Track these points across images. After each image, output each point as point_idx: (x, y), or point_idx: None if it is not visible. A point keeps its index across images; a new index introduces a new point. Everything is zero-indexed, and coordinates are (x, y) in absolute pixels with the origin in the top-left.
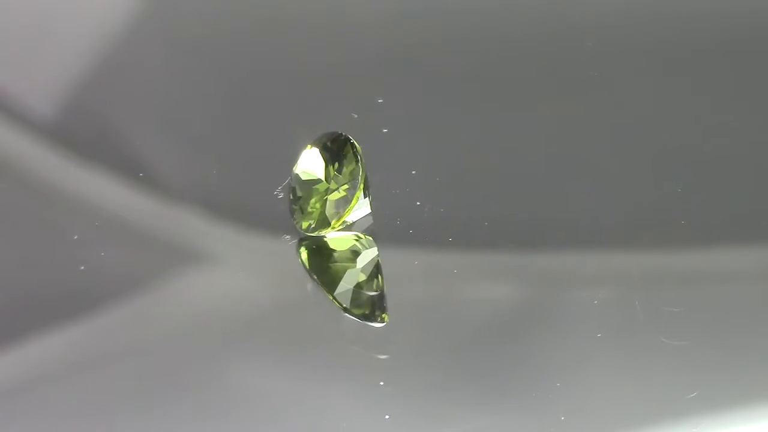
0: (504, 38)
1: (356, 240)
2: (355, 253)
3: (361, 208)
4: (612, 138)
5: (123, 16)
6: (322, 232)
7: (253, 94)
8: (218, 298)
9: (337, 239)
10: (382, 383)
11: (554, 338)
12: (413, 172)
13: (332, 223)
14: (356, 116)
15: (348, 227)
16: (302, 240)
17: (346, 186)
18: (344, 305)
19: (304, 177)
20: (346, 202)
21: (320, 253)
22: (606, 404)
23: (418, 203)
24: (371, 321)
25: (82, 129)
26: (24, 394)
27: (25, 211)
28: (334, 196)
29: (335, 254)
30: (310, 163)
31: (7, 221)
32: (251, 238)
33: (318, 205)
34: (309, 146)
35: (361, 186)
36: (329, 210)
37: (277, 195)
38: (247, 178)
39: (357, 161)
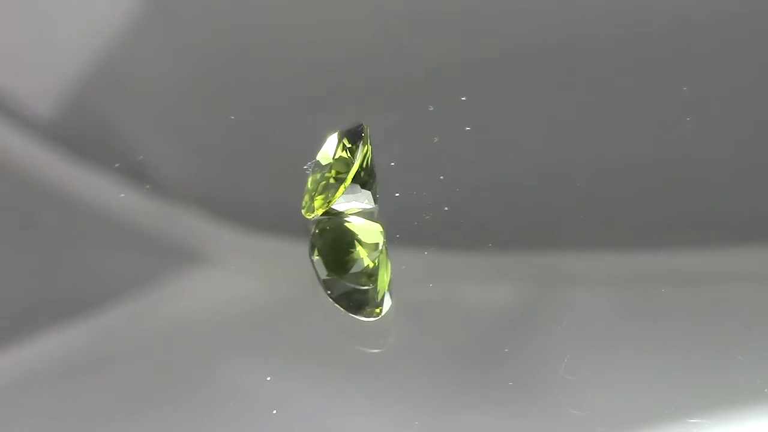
0: (511, 43)
1: (380, 232)
2: (364, 245)
3: (353, 201)
4: (613, 138)
5: (123, 15)
6: (309, 216)
7: (254, 93)
8: (218, 298)
9: (362, 227)
10: (270, 381)
11: (554, 338)
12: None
13: (316, 208)
14: (432, 108)
15: (366, 216)
16: (327, 218)
17: (340, 175)
18: (328, 292)
19: (319, 158)
20: (335, 190)
21: (335, 235)
22: (608, 403)
23: (446, 208)
24: (358, 315)
25: (81, 129)
26: (23, 394)
27: (23, 211)
28: (326, 182)
29: (348, 240)
30: (328, 147)
31: (5, 221)
32: (251, 238)
33: (316, 188)
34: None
35: (350, 177)
36: (318, 194)
37: (306, 170)
38: (248, 179)
39: (357, 152)
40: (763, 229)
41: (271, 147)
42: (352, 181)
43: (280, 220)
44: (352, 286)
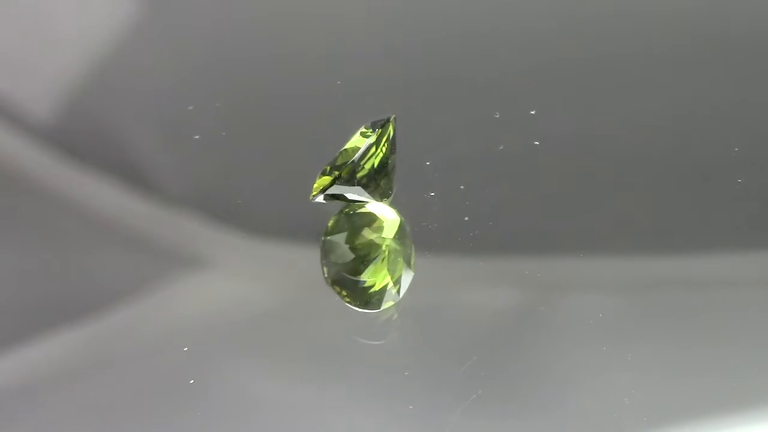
0: (501, 42)
1: (396, 226)
2: (376, 235)
3: (350, 192)
4: (612, 144)
5: (123, 18)
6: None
7: (253, 97)
8: (218, 301)
9: (382, 217)
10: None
11: (555, 343)
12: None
13: (314, 190)
14: (498, 116)
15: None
16: (355, 204)
17: (341, 163)
18: (325, 276)
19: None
20: (330, 176)
21: (353, 220)
22: (606, 409)
23: (466, 218)
24: (354, 305)
25: (81, 132)
26: (22, 397)
27: (23, 214)
28: (329, 168)
29: (363, 226)
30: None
31: (4, 224)
32: (251, 242)
33: (324, 170)
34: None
35: (345, 167)
36: (318, 177)
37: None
38: (247, 182)
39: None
40: (760, 234)
41: (274, 149)
42: (349, 173)
43: (281, 222)
44: (348, 275)
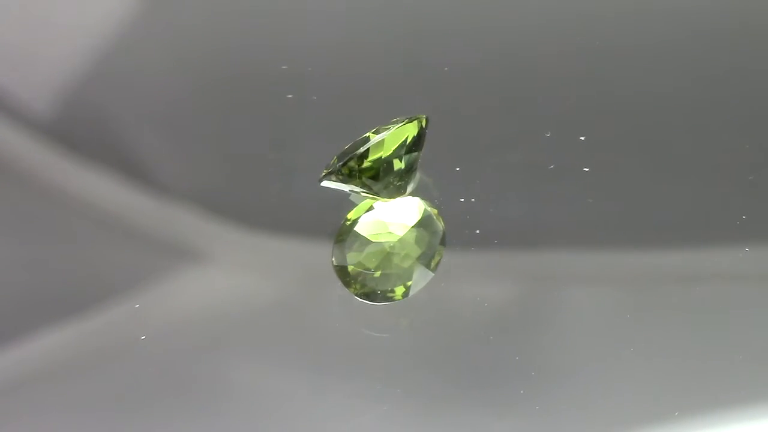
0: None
1: (411, 224)
2: (388, 228)
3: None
4: (610, 136)
5: (123, 12)
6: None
7: (253, 91)
8: (217, 296)
9: (410, 219)
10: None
11: (552, 337)
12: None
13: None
14: (549, 135)
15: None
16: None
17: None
18: (332, 260)
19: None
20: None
21: (376, 213)
22: (603, 404)
23: (477, 231)
24: (356, 295)
25: (80, 127)
26: (21, 392)
27: (21, 209)
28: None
29: (383, 223)
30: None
31: (3, 218)
32: (250, 236)
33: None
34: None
35: (339, 161)
36: (332, 160)
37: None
38: (246, 176)
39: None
40: (758, 228)
41: (273, 144)
42: (348, 165)
43: (281, 216)
44: (354, 265)
